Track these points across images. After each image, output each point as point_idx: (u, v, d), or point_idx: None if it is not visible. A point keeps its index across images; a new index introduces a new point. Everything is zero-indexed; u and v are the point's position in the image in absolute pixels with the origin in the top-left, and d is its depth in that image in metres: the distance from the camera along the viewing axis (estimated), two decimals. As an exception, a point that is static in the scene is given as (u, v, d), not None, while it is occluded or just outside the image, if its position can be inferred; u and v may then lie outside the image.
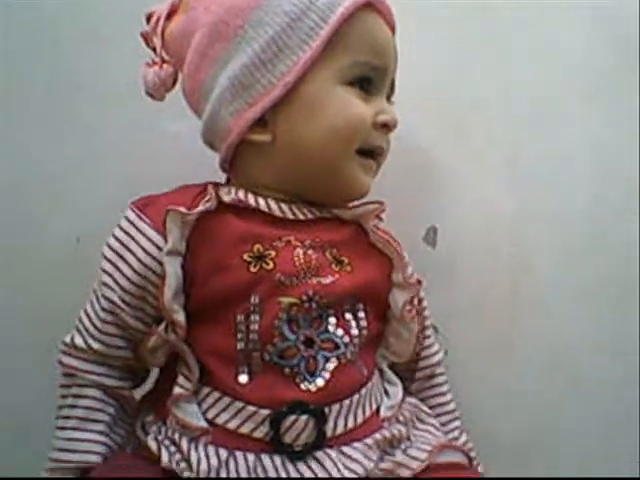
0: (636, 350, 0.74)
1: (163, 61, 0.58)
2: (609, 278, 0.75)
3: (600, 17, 0.75)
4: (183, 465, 0.49)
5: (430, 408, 0.62)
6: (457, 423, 0.63)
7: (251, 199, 0.55)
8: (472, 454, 0.60)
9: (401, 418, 0.57)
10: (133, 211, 0.54)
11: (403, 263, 0.58)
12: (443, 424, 0.62)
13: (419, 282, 0.60)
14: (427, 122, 0.74)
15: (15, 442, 0.73)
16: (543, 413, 0.75)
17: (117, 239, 0.54)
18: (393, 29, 0.58)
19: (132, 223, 0.53)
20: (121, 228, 0.54)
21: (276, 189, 0.56)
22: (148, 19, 0.59)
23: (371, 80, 0.55)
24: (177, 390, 0.52)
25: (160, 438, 0.52)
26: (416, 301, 0.60)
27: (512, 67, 0.75)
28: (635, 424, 0.74)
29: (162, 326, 0.53)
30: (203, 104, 0.56)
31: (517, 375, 0.74)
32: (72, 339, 0.55)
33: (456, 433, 0.63)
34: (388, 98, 0.59)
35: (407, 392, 0.61)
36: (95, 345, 0.54)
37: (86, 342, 0.54)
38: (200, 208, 0.52)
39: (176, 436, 0.51)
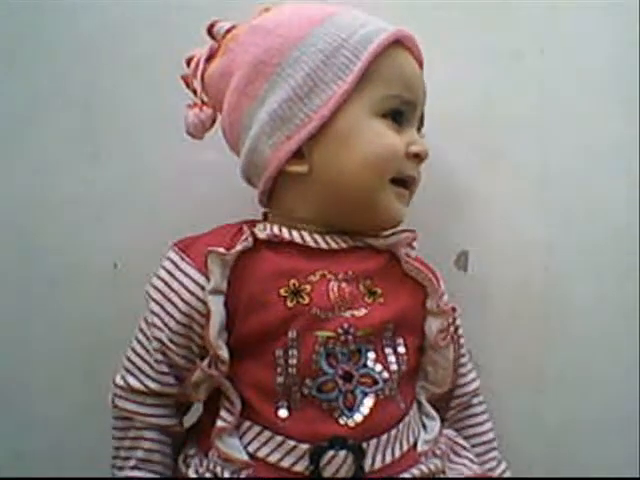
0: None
1: (203, 103, 0.61)
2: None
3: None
4: None
5: (466, 438, 0.62)
6: (494, 453, 0.63)
7: (285, 232, 0.57)
8: None
9: (438, 452, 0.57)
10: (176, 253, 0.56)
11: (437, 290, 0.59)
12: (480, 455, 0.62)
13: (454, 309, 0.61)
14: (458, 148, 0.74)
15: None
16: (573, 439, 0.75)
17: (162, 279, 0.56)
18: (421, 64, 0.60)
19: (175, 264, 0.56)
20: (164, 269, 0.56)
21: (311, 220, 0.58)
22: (188, 63, 0.62)
23: (402, 113, 0.57)
24: (220, 424, 0.53)
25: (201, 471, 0.54)
26: (452, 328, 0.60)
27: (543, 88, 0.75)
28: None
29: (206, 362, 0.54)
30: (242, 140, 0.59)
31: (548, 403, 0.74)
32: (125, 381, 0.56)
33: (493, 464, 0.63)
34: (418, 130, 0.61)
35: (443, 423, 0.62)
36: (152, 385, 0.56)
37: (142, 383, 0.56)
38: (238, 248, 0.54)
39: (218, 469, 0.53)
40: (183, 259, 0.56)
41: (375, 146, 0.55)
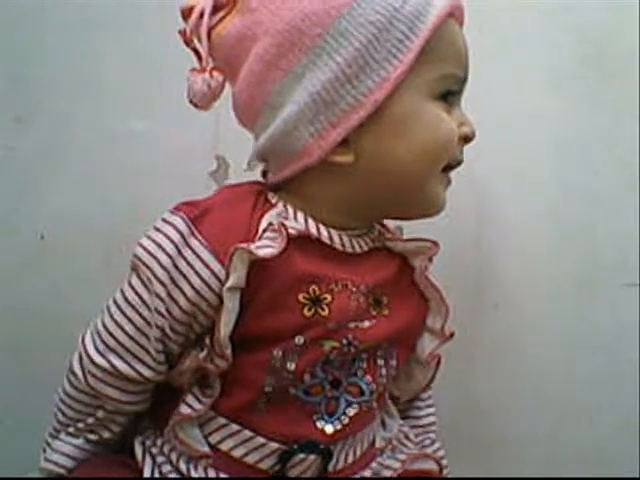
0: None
1: (213, 68, 0.52)
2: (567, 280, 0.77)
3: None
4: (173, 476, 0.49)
5: (406, 419, 0.62)
6: (430, 435, 0.63)
7: (313, 228, 0.51)
8: (443, 462, 0.61)
9: (390, 446, 0.58)
10: (184, 222, 0.49)
11: (443, 311, 0.56)
12: (417, 435, 0.62)
13: (452, 335, 0.57)
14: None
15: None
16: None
17: (165, 252, 0.48)
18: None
19: (183, 237, 0.48)
20: (169, 238, 0.48)
21: (341, 212, 0.52)
22: (186, 14, 0.53)
23: (453, 91, 0.51)
24: (185, 410, 0.50)
25: (148, 444, 0.51)
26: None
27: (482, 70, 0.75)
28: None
29: (203, 354, 0.49)
30: (265, 118, 0.51)
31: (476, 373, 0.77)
32: (111, 364, 0.50)
33: (427, 442, 0.62)
34: None
35: None
36: (147, 373, 0.50)
37: (136, 370, 0.50)
38: (272, 251, 0.47)
39: (173, 454, 0.51)
40: (193, 233, 0.48)
41: (434, 134, 0.49)
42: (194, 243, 0.48)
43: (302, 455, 0.50)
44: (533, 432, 0.77)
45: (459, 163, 0.53)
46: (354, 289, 0.51)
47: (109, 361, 0.49)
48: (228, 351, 0.48)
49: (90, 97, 0.73)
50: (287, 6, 0.48)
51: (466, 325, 0.73)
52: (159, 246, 0.48)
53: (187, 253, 0.48)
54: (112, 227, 0.72)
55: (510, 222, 0.76)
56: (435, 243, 0.55)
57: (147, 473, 0.49)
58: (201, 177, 0.74)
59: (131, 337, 0.49)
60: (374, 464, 0.55)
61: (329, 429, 0.51)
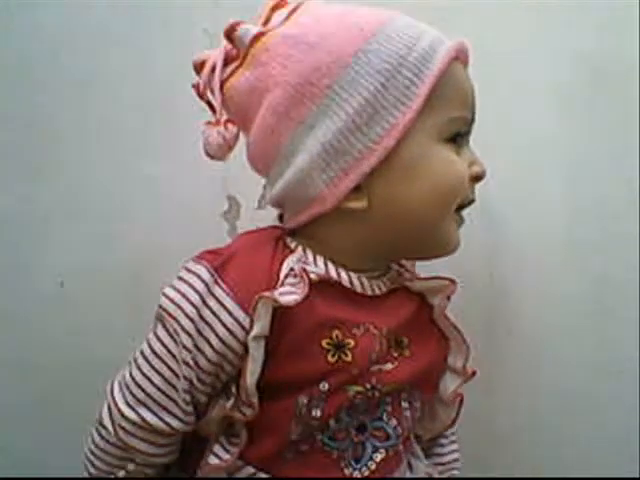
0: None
1: (227, 120, 0.53)
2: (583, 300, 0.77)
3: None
4: None
5: (429, 457, 0.62)
6: (454, 472, 0.63)
7: (333, 272, 0.52)
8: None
9: None
10: (208, 271, 0.49)
11: (463, 349, 0.57)
12: (440, 473, 0.62)
13: (474, 373, 0.58)
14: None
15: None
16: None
17: (190, 302, 0.48)
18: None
19: (207, 287, 0.48)
20: (193, 288, 0.48)
21: (358, 256, 0.53)
22: (198, 68, 0.54)
23: (462, 133, 0.52)
24: (213, 460, 0.50)
25: None
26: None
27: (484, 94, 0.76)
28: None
29: (230, 403, 0.49)
30: (280, 167, 0.52)
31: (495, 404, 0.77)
32: (140, 416, 0.49)
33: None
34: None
35: None
36: (176, 425, 0.50)
37: (166, 423, 0.50)
38: (295, 297, 0.48)
39: None
40: (217, 283, 0.48)
41: (444, 177, 0.50)
42: (218, 292, 0.48)
43: None
44: (555, 458, 0.77)
45: (471, 202, 0.54)
46: (376, 332, 0.51)
47: (139, 414, 0.49)
48: (255, 399, 0.48)
49: (105, 144, 0.74)
50: (296, 59, 0.49)
51: (480, 353, 0.75)
52: (184, 296, 0.48)
53: (212, 303, 0.48)
54: (129, 273, 0.73)
55: (522, 244, 0.76)
56: (453, 281, 0.56)
57: None
58: (213, 218, 0.75)
59: (160, 389, 0.49)
60: None
61: (357, 474, 0.51)
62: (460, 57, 0.52)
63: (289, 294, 0.48)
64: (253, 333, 0.47)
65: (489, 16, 0.73)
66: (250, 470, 0.50)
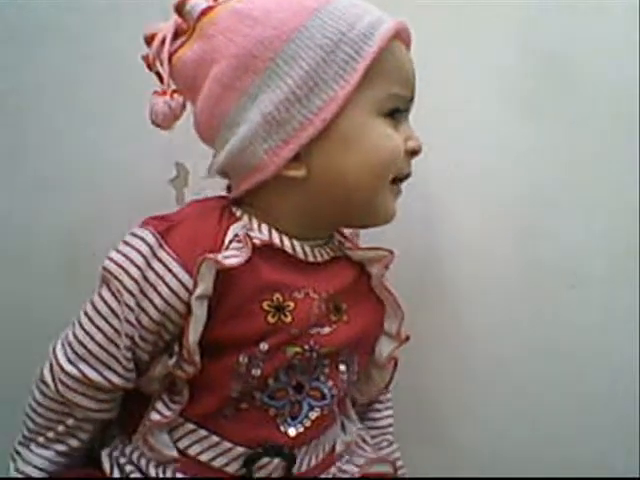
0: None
1: (174, 90, 0.55)
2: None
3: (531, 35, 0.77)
4: None
5: (364, 420, 0.65)
6: (387, 437, 0.66)
7: (276, 239, 0.54)
8: (399, 463, 0.64)
9: (348, 450, 0.60)
10: (153, 235, 0.51)
11: (399, 315, 0.59)
12: (374, 437, 0.65)
13: (407, 338, 0.61)
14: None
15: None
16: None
17: (134, 264, 0.50)
18: (409, 50, 0.57)
19: (152, 249, 0.50)
20: (137, 251, 0.50)
21: (299, 223, 0.55)
22: (148, 41, 0.56)
23: (400, 109, 0.55)
24: (155, 416, 0.51)
25: (116, 455, 0.53)
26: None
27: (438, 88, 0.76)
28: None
29: (173, 361, 0.51)
30: (224, 136, 0.54)
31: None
32: (81, 371, 0.51)
33: (384, 444, 0.65)
34: None
35: None
36: (117, 381, 0.52)
37: (106, 378, 0.51)
38: (239, 259, 0.50)
39: (142, 460, 0.52)
40: (162, 246, 0.50)
41: (380, 149, 0.53)
42: (163, 255, 0.50)
43: (267, 459, 0.52)
44: (481, 433, 0.80)
45: (408, 175, 0.57)
46: (315, 296, 0.54)
47: (80, 369, 0.51)
48: (197, 357, 0.50)
49: (52, 110, 0.74)
50: (242, 32, 0.51)
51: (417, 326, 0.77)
52: (128, 259, 0.50)
53: (156, 265, 0.50)
54: (68, 238, 0.72)
55: (462, 228, 0.79)
56: (391, 252, 0.58)
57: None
58: (161, 184, 0.74)
59: (101, 346, 0.51)
60: (333, 469, 0.57)
61: (292, 432, 0.53)
62: (402, 37, 0.54)
63: (232, 257, 0.50)
64: (196, 293, 0.49)
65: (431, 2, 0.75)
66: (190, 427, 0.52)
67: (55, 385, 0.52)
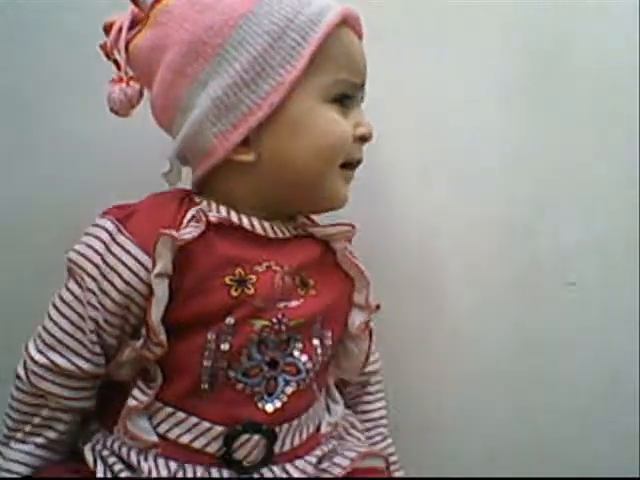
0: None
1: (130, 78, 0.56)
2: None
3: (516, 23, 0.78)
4: (125, 474, 0.51)
5: (357, 413, 0.65)
6: (381, 429, 0.66)
7: (234, 217, 0.55)
8: (392, 458, 0.64)
9: (334, 433, 0.60)
10: (112, 222, 0.52)
11: (366, 285, 0.60)
12: (368, 429, 0.65)
13: (378, 307, 0.62)
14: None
15: None
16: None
17: (95, 251, 0.51)
18: (361, 38, 0.58)
19: (111, 236, 0.52)
20: (98, 238, 0.52)
21: (256, 206, 0.56)
22: (107, 30, 0.57)
23: (349, 95, 0.56)
24: (132, 402, 0.52)
25: (98, 448, 0.53)
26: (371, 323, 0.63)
27: (437, 84, 0.77)
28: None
29: (140, 342, 0.52)
30: (178, 122, 0.55)
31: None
32: (49, 359, 0.52)
33: (378, 438, 0.65)
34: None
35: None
36: (85, 366, 0.52)
37: (74, 364, 0.52)
38: (193, 233, 0.51)
39: (123, 449, 0.52)
40: (121, 231, 0.52)
41: (327, 134, 0.54)
42: (121, 239, 0.51)
43: (246, 436, 0.52)
44: (481, 433, 0.80)
45: (359, 161, 0.58)
46: (278, 269, 0.54)
47: (48, 358, 0.52)
48: (162, 336, 0.51)
49: (45, 105, 0.73)
50: (192, 19, 0.53)
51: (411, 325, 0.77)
52: (89, 247, 0.52)
53: (115, 249, 0.51)
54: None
55: (459, 227, 0.79)
56: (352, 226, 0.59)
57: (100, 473, 0.51)
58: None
59: (67, 333, 0.52)
60: (318, 451, 0.56)
61: (269, 408, 0.53)
62: (350, 23, 0.55)
63: (188, 234, 0.51)
64: (155, 271, 0.50)
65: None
66: (169, 410, 0.53)
67: (27, 377, 0.53)
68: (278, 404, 0.54)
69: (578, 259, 0.79)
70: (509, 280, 0.79)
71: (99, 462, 0.52)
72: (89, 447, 0.53)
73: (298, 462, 0.55)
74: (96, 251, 0.51)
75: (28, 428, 0.54)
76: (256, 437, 0.53)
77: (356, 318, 0.60)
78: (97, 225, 0.52)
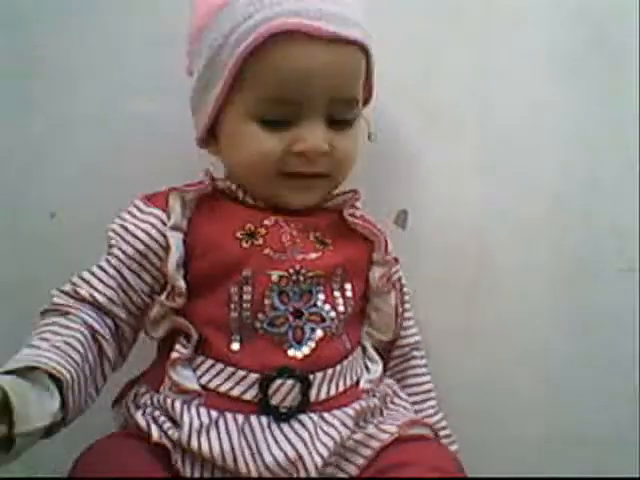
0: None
1: None
2: (565, 265, 0.79)
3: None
4: (172, 431, 0.53)
5: (405, 387, 0.66)
6: (431, 402, 0.67)
7: (240, 193, 0.61)
8: (445, 432, 0.65)
9: (377, 393, 0.60)
10: (140, 200, 0.60)
11: (381, 243, 0.62)
12: (417, 403, 0.66)
13: (396, 260, 0.65)
14: (401, 107, 0.76)
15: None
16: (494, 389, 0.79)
17: (123, 219, 0.59)
18: (336, 39, 0.55)
19: (139, 208, 0.60)
20: (128, 212, 0.59)
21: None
22: None
23: (283, 113, 0.56)
24: (174, 355, 0.56)
25: (149, 411, 0.56)
26: (395, 277, 0.65)
27: (483, 55, 0.77)
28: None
29: (164, 295, 0.57)
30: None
31: (473, 356, 0.78)
32: (75, 289, 0.57)
33: (430, 411, 0.66)
34: (335, 118, 0.58)
35: (385, 371, 0.65)
36: (100, 298, 0.57)
37: (91, 294, 0.57)
38: (200, 191, 0.59)
39: (168, 402, 0.55)
40: (147, 204, 0.59)
41: (247, 151, 0.58)
42: (145, 207, 0.59)
43: (280, 381, 0.54)
44: (530, 413, 0.79)
45: (306, 174, 0.58)
46: (284, 225, 0.59)
47: (74, 289, 0.57)
48: (180, 283, 0.56)
49: (96, 77, 0.75)
50: (191, 19, 0.60)
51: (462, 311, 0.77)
52: (119, 217, 0.59)
53: (138, 213, 0.59)
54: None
55: (510, 208, 0.78)
56: (354, 191, 0.64)
57: (155, 435, 0.54)
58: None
59: (90, 271, 0.58)
60: (357, 404, 0.57)
61: (299, 354, 0.56)
62: (303, 33, 0.53)
63: (195, 191, 0.59)
64: (169, 224, 0.57)
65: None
66: (209, 362, 0.56)
67: (53, 302, 0.56)
68: (307, 350, 0.56)
69: (636, 238, 0.77)
70: (563, 260, 0.78)
71: (152, 424, 0.55)
72: (140, 413, 0.56)
73: (336, 412, 0.56)
74: (123, 218, 0.59)
75: (42, 334, 0.53)
76: (290, 382, 0.54)
77: (376, 273, 0.62)
78: (130, 205, 0.60)
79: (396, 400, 0.63)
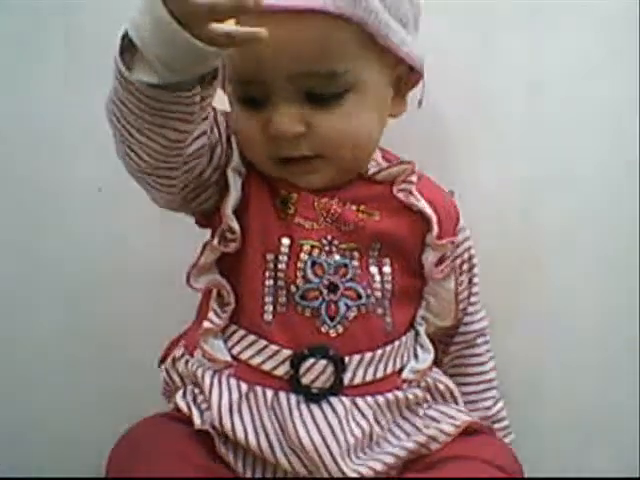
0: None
1: None
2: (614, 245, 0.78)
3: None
4: (209, 415, 0.53)
5: (466, 376, 0.65)
6: (493, 393, 0.65)
7: None
8: (504, 423, 0.64)
9: (422, 384, 0.58)
10: None
11: (434, 221, 0.58)
12: (478, 392, 0.64)
13: (452, 242, 0.60)
14: (448, 89, 0.74)
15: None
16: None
17: None
18: (282, 11, 0.49)
19: None
20: None
21: None
22: None
23: (255, 94, 0.54)
24: (207, 324, 0.55)
25: (185, 372, 0.57)
26: (459, 261, 0.63)
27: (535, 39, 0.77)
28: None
29: (216, 239, 0.55)
30: None
31: (518, 339, 0.77)
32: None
33: (490, 403, 0.64)
34: (318, 96, 0.54)
35: (440, 361, 0.64)
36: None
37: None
38: None
39: (200, 369, 0.55)
40: None
41: (238, 133, 0.57)
42: None
43: (312, 359, 0.53)
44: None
45: (297, 156, 0.55)
46: (314, 195, 0.56)
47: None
48: (235, 225, 0.54)
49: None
50: None
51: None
52: None
53: None
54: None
55: (557, 191, 0.78)
56: (410, 162, 0.58)
57: (197, 422, 0.53)
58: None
59: None
60: (391, 395, 0.55)
61: (332, 333, 0.54)
62: (281, 12, 0.49)
63: None
64: (231, 165, 0.55)
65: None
66: (242, 333, 0.55)
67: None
68: (340, 329, 0.54)
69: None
70: (618, 245, 0.78)
71: (193, 407, 0.54)
72: (180, 395, 0.56)
73: (370, 399, 0.54)
74: None
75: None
76: (323, 362, 0.53)
77: (429, 257, 0.59)
78: None
79: (447, 397, 0.60)
